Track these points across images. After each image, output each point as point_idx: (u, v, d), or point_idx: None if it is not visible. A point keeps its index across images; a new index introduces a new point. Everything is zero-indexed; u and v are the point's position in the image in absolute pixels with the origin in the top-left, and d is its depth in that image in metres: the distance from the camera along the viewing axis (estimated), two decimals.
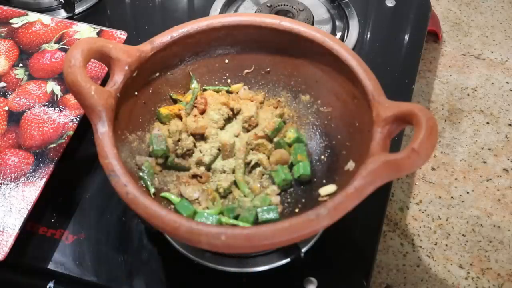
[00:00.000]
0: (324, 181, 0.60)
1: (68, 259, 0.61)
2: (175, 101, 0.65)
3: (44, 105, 0.70)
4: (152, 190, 0.57)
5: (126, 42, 0.76)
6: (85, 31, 0.77)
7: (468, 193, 0.85)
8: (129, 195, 0.50)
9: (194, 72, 0.66)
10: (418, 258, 0.78)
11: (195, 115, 0.65)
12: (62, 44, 0.76)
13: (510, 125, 0.93)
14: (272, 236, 0.48)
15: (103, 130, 0.54)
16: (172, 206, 0.57)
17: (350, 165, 0.57)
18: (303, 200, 0.59)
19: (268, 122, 0.63)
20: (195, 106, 0.65)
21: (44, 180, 0.64)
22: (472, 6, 1.11)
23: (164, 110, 0.63)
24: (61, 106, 0.70)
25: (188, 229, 0.48)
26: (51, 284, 0.60)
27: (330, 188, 0.58)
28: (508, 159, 0.88)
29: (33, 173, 0.64)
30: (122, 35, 0.77)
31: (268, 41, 0.64)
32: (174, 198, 0.58)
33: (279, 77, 0.66)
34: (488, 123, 0.93)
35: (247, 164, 0.62)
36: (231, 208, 0.58)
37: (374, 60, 0.80)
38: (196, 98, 0.65)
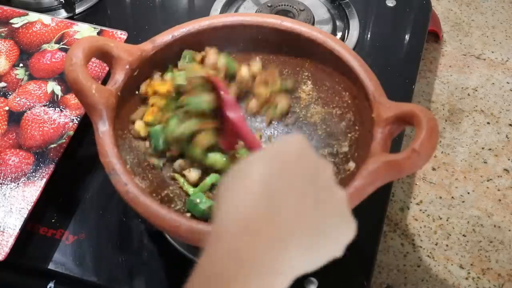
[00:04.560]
0: None
1: (68, 259, 0.61)
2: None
3: (44, 105, 0.70)
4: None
5: (126, 42, 0.76)
6: (85, 31, 0.77)
7: (468, 193, 0.85)
8: (130, 194, 0.50)
9: None
10: (419, 258, 0.78)
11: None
12: (63, 44, 0.76)
13: (510, 125, 0.93)
14: None
15: (103, 129, 0.54)
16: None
17: (351, 165, 0.57)
18: None
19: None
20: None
21: (44, 180, 0.64)
22: (473, 6, 1.11)
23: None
24: (61, 106, 0.70)
25: (188, 229, 0.48)
26: (51, 284, 0.60)
27: None
28: (509, 159, 0.88)
29: (33, 173, 0.64)
30: (122, 35, 0.77)
31: (269, 41, 0.64)
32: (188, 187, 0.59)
33: (280, 77, 0.66)
34: (488, 123, 0.93)
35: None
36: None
37: (374, 60, 0.80)
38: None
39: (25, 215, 0.61)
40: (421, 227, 0.81)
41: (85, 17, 0.85)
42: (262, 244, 0.33)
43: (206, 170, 0.60)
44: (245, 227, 0.34)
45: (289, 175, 0.36)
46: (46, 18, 0.79)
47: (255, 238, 0.33)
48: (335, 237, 0.37)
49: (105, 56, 0.58)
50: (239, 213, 0.35)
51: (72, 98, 0.71)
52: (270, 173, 0.35)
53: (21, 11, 0.80)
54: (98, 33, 0.77)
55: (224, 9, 0.86)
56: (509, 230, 0.81)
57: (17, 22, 0.79)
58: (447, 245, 0.79)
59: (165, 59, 0.63)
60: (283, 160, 0.36)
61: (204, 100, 0.58)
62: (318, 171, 0.37)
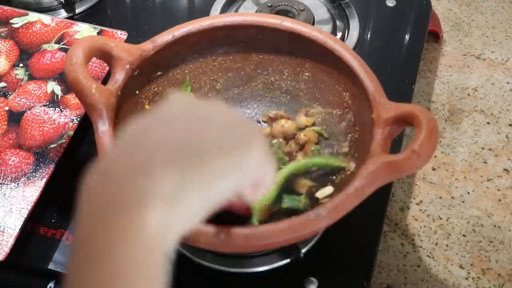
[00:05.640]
0: (324, 182, 0.60)
1: (68, 259, 0.61)
2: None
3: (44, 105, 0.70)
4: None
5: (126, 42, 0.76)
6: (85, 31, 0.77)
7: (468, 193, 0.85)
8: None
9: (196, 71, 0.66)
10: (419, 258, 0.78)
11: None
12: (63, 44, 0.76)
13: (510, 125, 0.93)
14: (271, 236, 0.48)
15: (103, 128, 0.54)
16: None
17: (351, 165, 0.57)
18: None
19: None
20: None
21: (44, 180, 0.64)
22: (473, 6, 1.11)
23: None
24: (61, 106, 0.70)
25: None
26: (51, 284, 0.60)
27: (327, 190, 0.58)
28: (509, 159, 0.88)
29: (33, 173, 0.64)
30: (122, 35, 0.77)
31: (269, 41, 0.64)
32: None
33: (280, 76, 0.66)
34: (488, 123, 0.93)
35: None
36: None
37: (374, 60, 0.80)
38: None
39: (25, 215, 0.61)
40: (421, 227, 0.81)
41: (85, 17, 0.85)
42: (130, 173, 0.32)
43: None
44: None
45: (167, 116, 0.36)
46: (46, 18, 0.79)
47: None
48: (228, 151, 0.35)
49: (105, 55, 0.58)
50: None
51: (72, 98, 0.71)
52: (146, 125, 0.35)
53: (21, 11, 0.80)
54: (98, 33, 0.77)
55: (224, 9, 0.86)
56: (509, 230, 0.81)
57: (17, 22, 0.79)
58: (447, 245, 0.79)
59: (166, 59, 0.63)
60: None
61: None
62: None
